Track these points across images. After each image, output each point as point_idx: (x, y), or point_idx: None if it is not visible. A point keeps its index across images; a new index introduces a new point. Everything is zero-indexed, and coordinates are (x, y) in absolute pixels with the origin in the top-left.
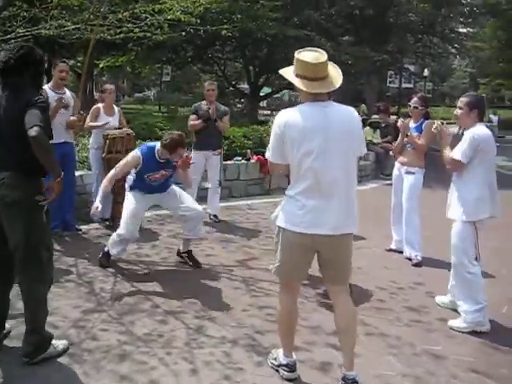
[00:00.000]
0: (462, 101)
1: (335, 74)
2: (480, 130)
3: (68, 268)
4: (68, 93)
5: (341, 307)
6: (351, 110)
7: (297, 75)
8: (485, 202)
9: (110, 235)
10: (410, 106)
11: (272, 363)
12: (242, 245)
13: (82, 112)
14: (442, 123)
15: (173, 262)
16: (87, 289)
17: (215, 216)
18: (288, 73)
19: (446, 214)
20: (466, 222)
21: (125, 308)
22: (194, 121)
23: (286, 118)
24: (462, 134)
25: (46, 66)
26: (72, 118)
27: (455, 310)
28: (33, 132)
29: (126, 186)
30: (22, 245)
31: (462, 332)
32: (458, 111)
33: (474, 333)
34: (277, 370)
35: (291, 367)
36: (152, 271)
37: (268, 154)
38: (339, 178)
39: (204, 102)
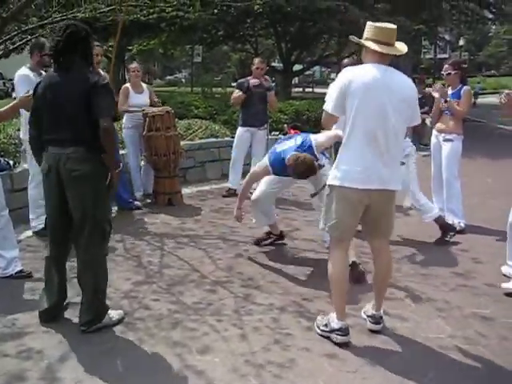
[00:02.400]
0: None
1: (401, 45)
2: None
3: (115, 243)
4: (103, 74)
5: (381, 263)
6: (410, 80)
7: (367, 39)
8: None
9: (152, 212)
10: (443, 74)
11: (323, 330)
12: (284, 217)
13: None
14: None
15: (216, 235)
16: (135, 262)
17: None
18: (360, 40)
19: None
20: None
21: (174, 279)
22: (237, 94)
23: (351, 73)
24: None
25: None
26: None
27: None
28: (105, 123)
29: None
30: (89, 216)
31: None
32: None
33: None
34: (328, 337)
35: (344, 330)
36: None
37: (327, 106)
38: (392, 139)
39: (249, 78)
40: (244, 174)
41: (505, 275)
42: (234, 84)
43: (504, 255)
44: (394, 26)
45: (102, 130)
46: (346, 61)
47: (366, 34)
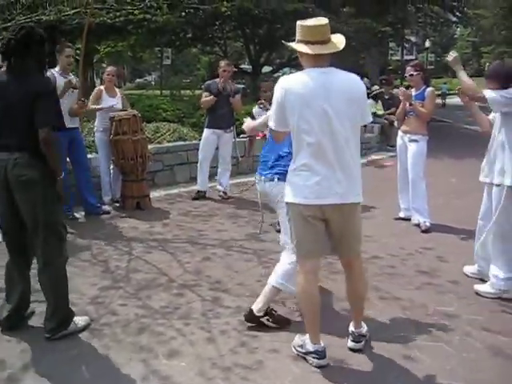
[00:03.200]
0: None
1: (338, 39)
2: None
3: (82, 248)
4: (73, 77)
5: (353, 279)
6: (355, 76)
7: (298, 41)
8: None
9: (120, 216)
10: (406, 76)
11: (298, 351)
12: (251, 219)
13: (83, 99)
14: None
15: (185, 239)
16: (102, 267)
17: (224, 193)
18: (290, 43)
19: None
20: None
21: (141, 284)
22: (206, 97)
23: (285, 84)
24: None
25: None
26: (75, 106)
27: (481, 279)
28: (43, 133)
29: None
30: (41, 221)
31: (489, 298)
32: None
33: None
34: (304, 358)
35: (320, 354)
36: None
37: (270, 122)
38: (342, 146)
39: (217, 80)
40: (211, 177)
41: (466, 275)
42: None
43: (468, 253)
44: (325, 21)
45: (40, 140)
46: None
47: (297, 36)
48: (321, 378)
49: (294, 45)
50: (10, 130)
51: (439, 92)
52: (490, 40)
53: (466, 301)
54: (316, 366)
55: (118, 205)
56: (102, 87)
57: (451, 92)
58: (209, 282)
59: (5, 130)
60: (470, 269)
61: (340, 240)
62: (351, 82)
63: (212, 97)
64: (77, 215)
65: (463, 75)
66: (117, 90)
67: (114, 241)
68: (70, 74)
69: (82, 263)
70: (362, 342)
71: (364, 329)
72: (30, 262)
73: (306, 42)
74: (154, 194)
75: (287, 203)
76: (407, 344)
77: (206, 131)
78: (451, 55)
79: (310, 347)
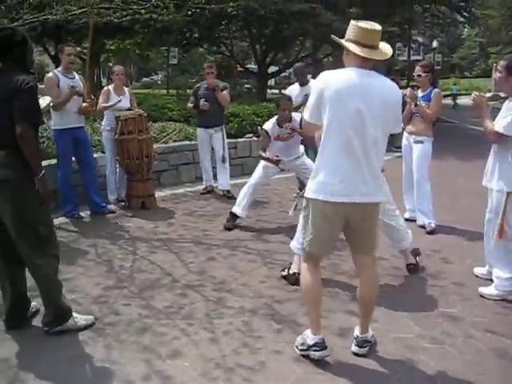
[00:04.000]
0: (502, 64)
1: (386, 48)
2: None
3: (87, 248)
4: (77, 77)
5: (366, 280)
6: (394, 84)
7: (348, 40)
8: None
9: (126, 216)
10: (414, 75)
11: (301, 349)
12: (256, 220)
13: (93, 96)
14: (479, 93)
15: (189, 239)
16: (107, 267)
17: (228, 191)
18: (339, 39)
19: (484, 182)
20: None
21: (145, 284)
22: (190, 103)
23: (325, 78)
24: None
25: (53, 52)
26: (84, 104)
27: (491, 280)
28: (19, 129)
29: None
30: (18, 220)
31: (494, 300)
32: (496, 75)
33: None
34: (307, 356)
35: (320, 345)
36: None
37: (305, 114)
38: (370, 147)
39: (204, 83)
40: (215, 175)
41: (477, 276)
42: None
43: (473, 255)
44: (379, 27)
45: (18, 136)
46: (297, 65)
47: (347, 35)
48: (323, 379)
49: (344, 43)
50: None
51: (448, 92)
52: (498, 40)
53: (470, 303)
54: (318, 359)
55: (123, 204)
56: (110, 87)
57: (462, 92)
58: (212, 283)
59: None
60: (480, 270)
61: (358, 238)
62: (389, 88)
63: (192, 106)
64: (82, 214)
65: (488, 122)
66: (125, 88)
67: (118, 240)
68: (74, 73)
69: (87, 262)
70: (367, 348)
71: (370, 334)
72: (18, 260)
73: (357, 43)
74: (160, 194)
75: (308, 199)
76: (410, 346)
77: (198, 130)
78: (476, 95)
79: (309, 341)
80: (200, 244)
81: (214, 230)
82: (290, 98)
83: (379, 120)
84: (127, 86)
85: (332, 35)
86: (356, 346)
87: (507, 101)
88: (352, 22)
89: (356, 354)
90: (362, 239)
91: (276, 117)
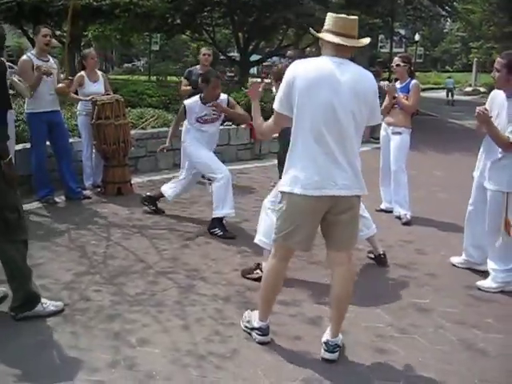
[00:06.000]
0: (500, 62)
1: (362, 39)
2: None
3: (60, 234)
4: (51, 60)
5: (340, 279)
6: (369, 74)
7: (324, 31)
8: None
9: (101, 202)
10: (392, 66)
11: (246, 326)
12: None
13: (70, 77)
14: (486, 109)
15: (164, 226)
16: (79, 252)
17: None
18: (315, 32)
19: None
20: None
21: (117, 270)
22: (185, 86)
23: (297, 67)
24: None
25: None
26: (61, 84)
27: (468, 269)
28: None
29: None
30: None
31: (492, 292)
32: (495, 73)
33: (467, 287)
34: (249, 333)
35: (264, 331)
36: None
37: (275, 104)
38: (344, 138)
39: (198, 67)
40: None
41: (453, 265)
42: None
43: (448, 246)
44: (355, 17)
45: None
46: (289, 52)
47: (325, 26)
48: (293, 367)
49: (321, 34)
50: None
51: (443, 86)
52: (479, 35)
53: (442, 293)
54: (258, 342)
55: (99, 190)
56: (83, 73)
57: (436, 87)
58: (186, 270)
59: None
60: (456, 259)
61: (336, 232)
62: (363, 77)
63: (190, 88)
64: (57, 200)
65: (500, 135)
66: (99, 73)
67: (92, 226)
68: (49, 56)
69: (59, 248)
70: (337, 353)
71: (340, 338)
72: None
73: (331, 32)
74: (137, 180)
75: (283, 193)
76: (381, 335)
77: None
78: (480, 111)
79: (255, 323)
80: (175, 231)
81: (189, 217)
82: (218, 76)
83: (350, 110)
84: (107, 72)
85: (310, 29)
86: (326, 351)
87: (506, 101)
88: (329, 14)
89: (326, 360)
90: (337, 233)
91: (200, 94)
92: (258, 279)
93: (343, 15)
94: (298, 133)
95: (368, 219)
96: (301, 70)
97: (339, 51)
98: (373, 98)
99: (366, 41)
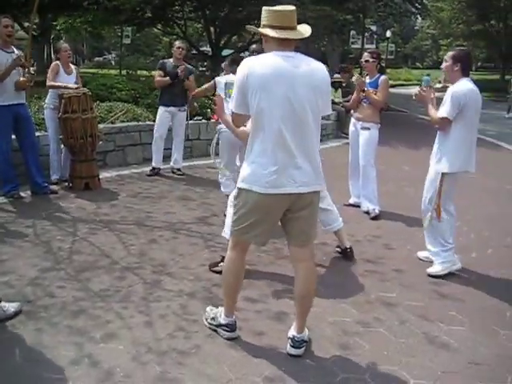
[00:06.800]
0: (449, 54)
1: (304, 28)
2: (462, 86)
3: (25, 229)
4: (16, 51)
5: (303, 276)
6: (321, 65)
7: (264, 26)
8: (459, 157)
9: (68, 196)
10: (361, 61)
11: (210, 323)
12: (201, 202)
13: (32, 72)
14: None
15: (132, 221)
16: (44, 248)
17: (178, 169)
18: (254, 28)
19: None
20: (439, 172)
21: (83, 266)
22: (160, 77)
23: (249, 65)
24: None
25: None
26: (22, 78)
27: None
28: None
29: None
30: None
31: (441, 277)
32: (444, 64)
33: (432, 282)
34: (215, 330)
35: (231, 327)
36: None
37: (232, 106)
38: (303, 134)
39: (171, 60)
40: (166, 158)
41: (420, 259)
42: None
43: (414, 241)
44: (292, 8)
45: None
46: (253, 46)
47: (263, 21)
48: (258, 362)
49: (259, 30)
50: None
51: (416, 82)
52: (448, 33)
53: (407, 288)
54: (226, 339)
55: (66, 185)
56: (59, 62)
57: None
58: (152, 265)
59: None
60: (423, 253)
61: (296, 228)
62: (316, 71)
63: (168, 78)
64: (23, 194)
65: (433, 112)
66: (72, 66)
67: (58, 221)
68: (13, 47)
69: (24, 244)
70: (303, 348)
71: (306, 333)
72: None
73: (273, 27)
74: (105, 175)
75: (240, 189)
76: (347, 330)
77: (160, 109)
78: (418, 91)
79: (222, 320)
80: (142, 226)
81: (158, 212)
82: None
83: (308, 104)
84: (78, 65)
85: (247, 26)
86: (292, 347)
87: (449, 88)
88: (264, 8)
89: (292, 356)
90: (300, 228)
91: None
92: None
93: (280, 7)
94: (256, 130)
95: (335, 213)
96: (253, 68)
97: (285, 45)
98: (326, 88)
99: (308, 30)
